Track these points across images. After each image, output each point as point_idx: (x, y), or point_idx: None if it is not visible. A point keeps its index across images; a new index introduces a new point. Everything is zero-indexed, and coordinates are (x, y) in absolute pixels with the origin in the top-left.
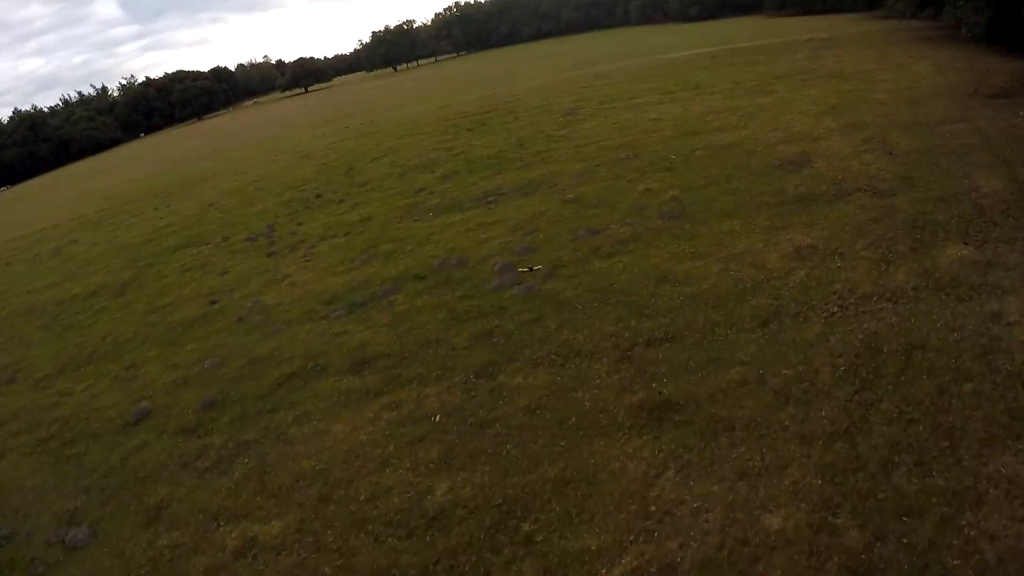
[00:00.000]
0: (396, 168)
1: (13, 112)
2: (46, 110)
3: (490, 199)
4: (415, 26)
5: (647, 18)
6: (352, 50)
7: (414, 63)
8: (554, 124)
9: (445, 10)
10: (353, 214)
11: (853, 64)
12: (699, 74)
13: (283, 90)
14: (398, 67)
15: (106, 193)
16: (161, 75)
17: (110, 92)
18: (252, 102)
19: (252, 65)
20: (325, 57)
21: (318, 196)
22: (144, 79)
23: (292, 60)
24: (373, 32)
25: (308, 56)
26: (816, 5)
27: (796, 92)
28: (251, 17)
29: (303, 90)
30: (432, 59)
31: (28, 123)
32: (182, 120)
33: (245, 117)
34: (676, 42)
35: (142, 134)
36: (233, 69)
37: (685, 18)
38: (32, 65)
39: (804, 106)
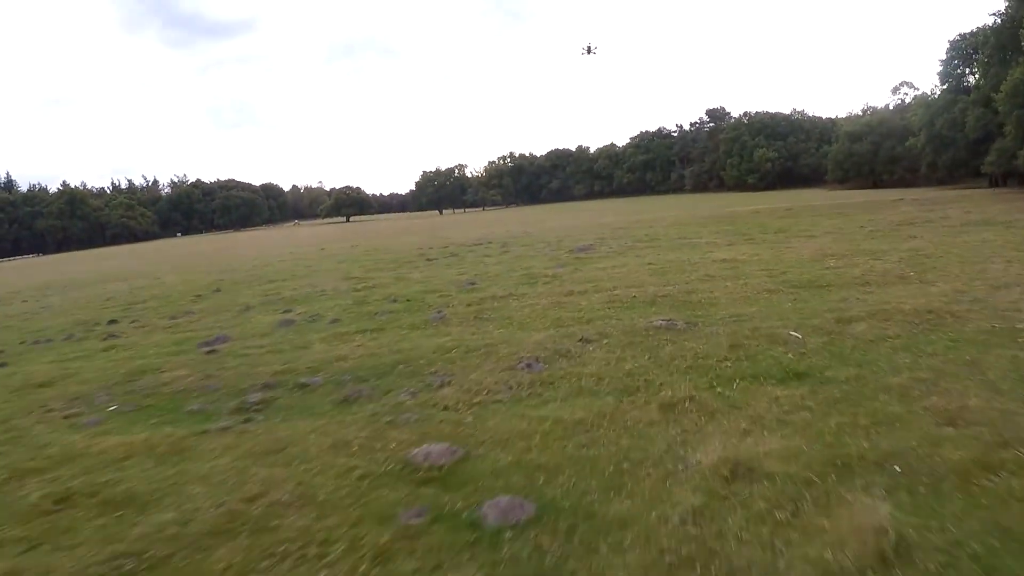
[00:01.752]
0: None
1: (61, 185)
2: (94, 189)
3: None
4: (466, 171)
5: (703, 185)
6: (408, 191)
7: (461, 209)
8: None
9: (499, 159)
10: None
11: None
12: (780, 222)
13: (325, 216)
14: (443, 211)
15: None
16: (213, 180)
17: (161, 187)
18: (294, 223)
19: (306, 189)
20: (381, 194)
21: None
22: (194, 180)
23: (338, 187)
24: (423, 171)
25: (355, 186)
26: (883, 178)
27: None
28: (318, 144)
29: (344, 219)
30: (480, 208)
31: (68, 198)
32: (219, 228)
33: (279, 235)
34: (738, 201)
35: (179, 233)
36: (287, 188)
37: (743, 187)
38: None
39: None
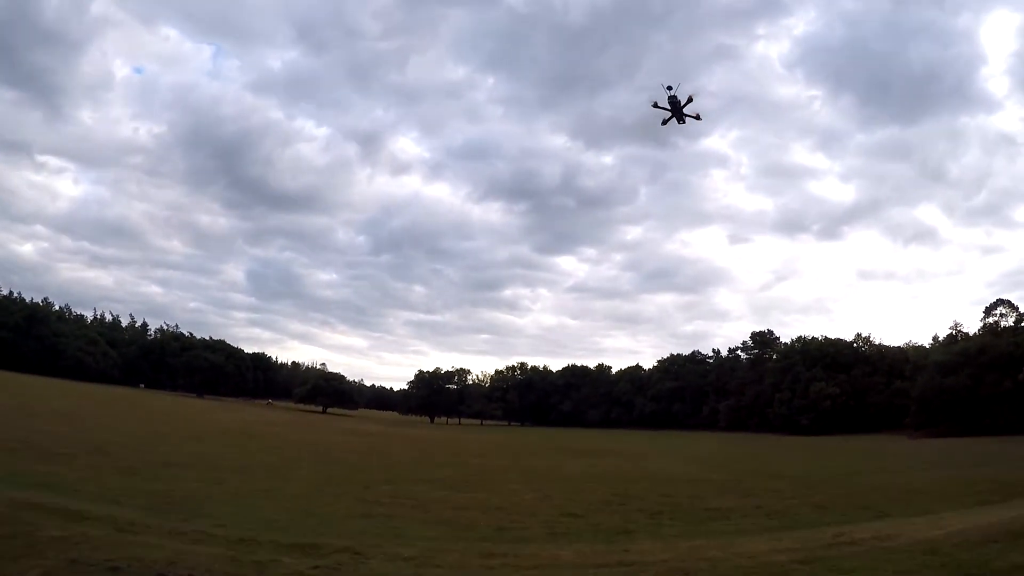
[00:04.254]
0: None
1: (22, 298)
2: (77, 314)
3: None
4: (468, 377)
5: (741, 422)
6: (399, 388)
7: (456, 419)
8: None
9: (508, 368)
10: None
11: None
12: None
13: (298, 400)
14: (436, 418)
15: None
16: (198, 336)
17: (150, 333)
18: (267, 402)
19: (307, 367)
20: (375, 385)
21: None
22: (177, 331)
23: (317, 368)
24: (418, 371)
25: (336, 373)
26: (983, 421)
27: None
28: (356, 331)
29: (321, 409)
30: (479, 422)
31: (28, 312)
32: (178, 388)
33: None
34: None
35: (142, 385)
36: (284, 362)
37: (793, 428)
38: (151, 290)
39: None
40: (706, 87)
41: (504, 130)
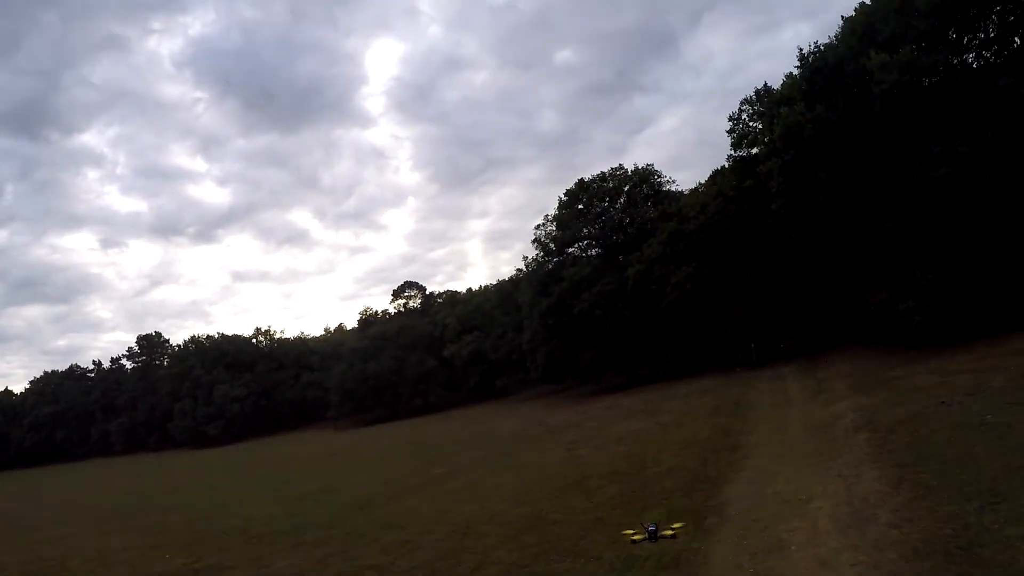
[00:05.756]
0: None
1: None
2: None
3: None
4: None
5: (139, 443)
6: None
7: None
8: None
9: None
10: None
11: None
12: None
13: None
14: None
15: None
16: None
17: None
18: None
19: None
20: None
21: None
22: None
23: None
24: None
25: None
26: (414, 401)
27: None
28: None
29: None
30: None
31: None
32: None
33: None
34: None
35: None
36: None
37: (201, 441)
38: None
39: None
40: (89, 77)
41: None
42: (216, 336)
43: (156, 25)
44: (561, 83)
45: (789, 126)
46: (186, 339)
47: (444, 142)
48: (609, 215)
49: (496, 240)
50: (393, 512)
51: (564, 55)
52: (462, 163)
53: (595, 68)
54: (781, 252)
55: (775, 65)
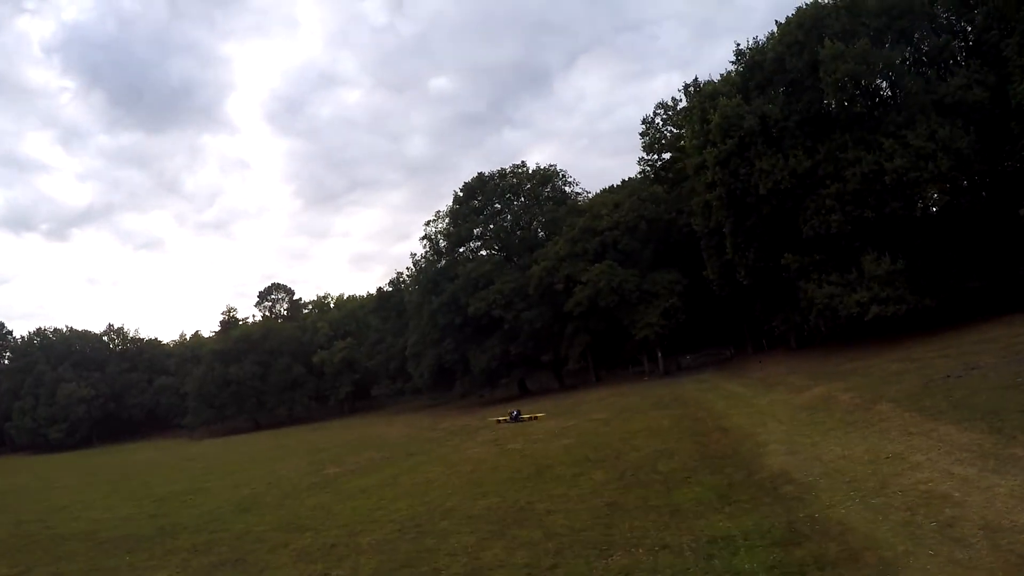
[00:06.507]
0: None
1: None
2: None
3: None
4: None
5: (32, 442)
6: None
7: None
8: None
9: None
10: None
11: None
12: None
13: None
14: None
15: None
16: None
17: None
18: None
19: None
20: None
21: None
22: None
23: None
24: None
25: None
26: (276, 410)
27: None
28: None
29: None
30: None
31: None
32: None
33: None
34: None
35: None
36: None
37: (43, 446)
38: None
39: None
40: None
41: None
42: (64, 330)
43: (30, 5)
44: (434, 109)
45: (727, 116)
46: (31, 331)
47: (312, 158)
48: (507, 213)
49: (357, 263)
50: (292, 513)
51: (439, 82)
52: (328, 181)
53: (468, 98)
54: (700, 255)
55: (645, 109)
